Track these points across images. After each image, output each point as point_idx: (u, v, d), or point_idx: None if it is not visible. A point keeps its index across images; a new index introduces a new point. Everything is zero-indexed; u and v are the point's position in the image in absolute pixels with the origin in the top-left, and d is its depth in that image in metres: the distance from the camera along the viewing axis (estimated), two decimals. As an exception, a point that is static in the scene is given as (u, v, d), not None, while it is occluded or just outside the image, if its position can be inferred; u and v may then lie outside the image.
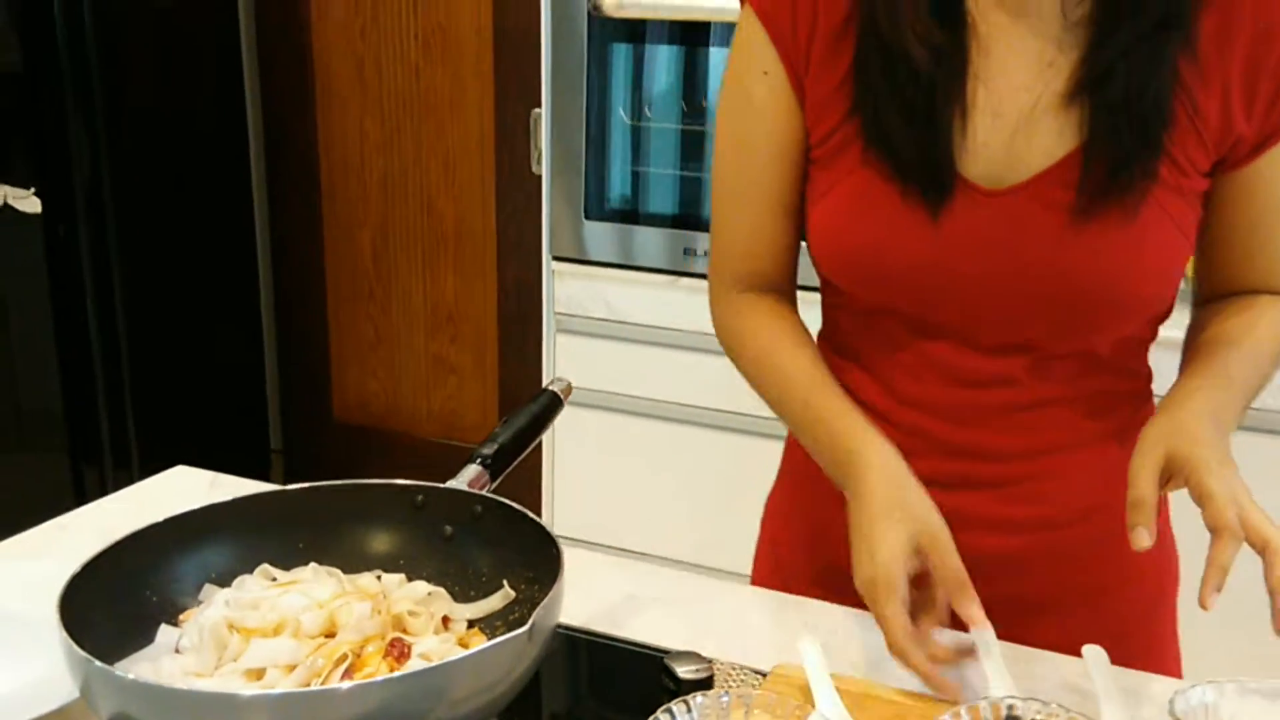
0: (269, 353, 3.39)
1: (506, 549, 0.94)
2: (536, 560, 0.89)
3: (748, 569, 1.24)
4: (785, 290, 1.11)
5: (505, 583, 0.93)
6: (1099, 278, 0.94)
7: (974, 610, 0.89)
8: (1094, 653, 0.93)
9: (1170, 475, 0.88)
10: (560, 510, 2.53)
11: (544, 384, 1.14)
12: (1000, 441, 1.02)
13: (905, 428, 1.03)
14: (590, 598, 1.05)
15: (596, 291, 2.38)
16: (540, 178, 2.41)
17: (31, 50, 2.61)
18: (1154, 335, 1.06)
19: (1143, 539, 0.85)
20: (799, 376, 1.03)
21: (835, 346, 1.09)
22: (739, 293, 1.09)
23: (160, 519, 0.90)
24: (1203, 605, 0.81)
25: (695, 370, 2.33)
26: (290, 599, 0.86)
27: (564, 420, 2.49)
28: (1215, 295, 1.05)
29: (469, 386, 3.24)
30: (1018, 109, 0.94)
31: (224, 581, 0.92)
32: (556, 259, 2.42)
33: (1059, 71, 0.94)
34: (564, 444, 2.49)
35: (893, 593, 0.88)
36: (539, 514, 2.72)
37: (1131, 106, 0.91)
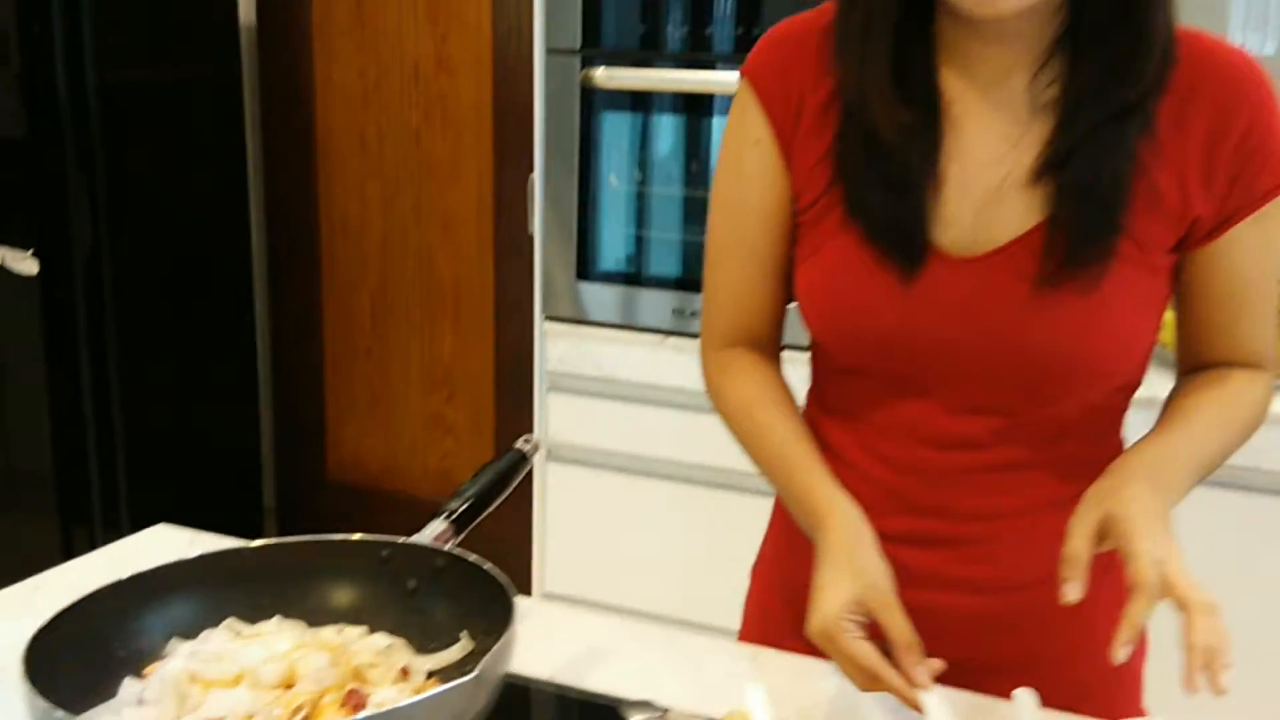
0: (264, 411, 3.42)
1: (467, 602, 0.96)
2: (495, 612, 0.91)
3: (738, 625, 1.26)
4: (771, 347, 1.15)
5: (464, 634, 0.94)
6: (1061, 347, 0.98)
7: (918, 673, 0.90)
8: (1024, 696, 0.94)
9: (1104, 535, 0.90)
10: (551, 567, 2.54)
11: (521, 445, 1.17)
12: (969, 502, 1.05)
13: (879, 484, 1.06)
14: (555, 650, 1.07)
15: (587, 351, 2.41)
16: (535, 239, 2.45)
17: (36, 117, 2.67)
18: (1125, 405, 1.08)
19: (1071, 593, 0.87)
20: (776, 430, 1.07)
21: (821, 403, 1.13)
22: (727, 348, 1.13)
23: (128, 575, 0.92)
24: (1111, 659, 0.83)
25: (685, 428, 2.35)
26: (252, 651, 0.88)
27: (556, 478, 2.53)
28: (1194, 366, 1.09)
29: (465, 445, 3.26)
30: (986, 184, 0.99)
31: (190, 635, 0.93)
32: (549, 319, 2.46)
33: (1025, 150, 0.99)
34: (555, 501, 2.51)
35: (837, 638, 0.90)
36: (530, 572, 2.71)
37: (1093, 188, 0.95)
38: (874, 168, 0.99)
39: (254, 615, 0.96)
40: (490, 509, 1.07)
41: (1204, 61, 0.98)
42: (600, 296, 2.42)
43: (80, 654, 0.88)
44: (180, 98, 2.97)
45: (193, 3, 2.98)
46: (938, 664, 0.92)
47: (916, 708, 0.90)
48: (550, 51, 2.35)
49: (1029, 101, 0.99)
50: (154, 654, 0.92)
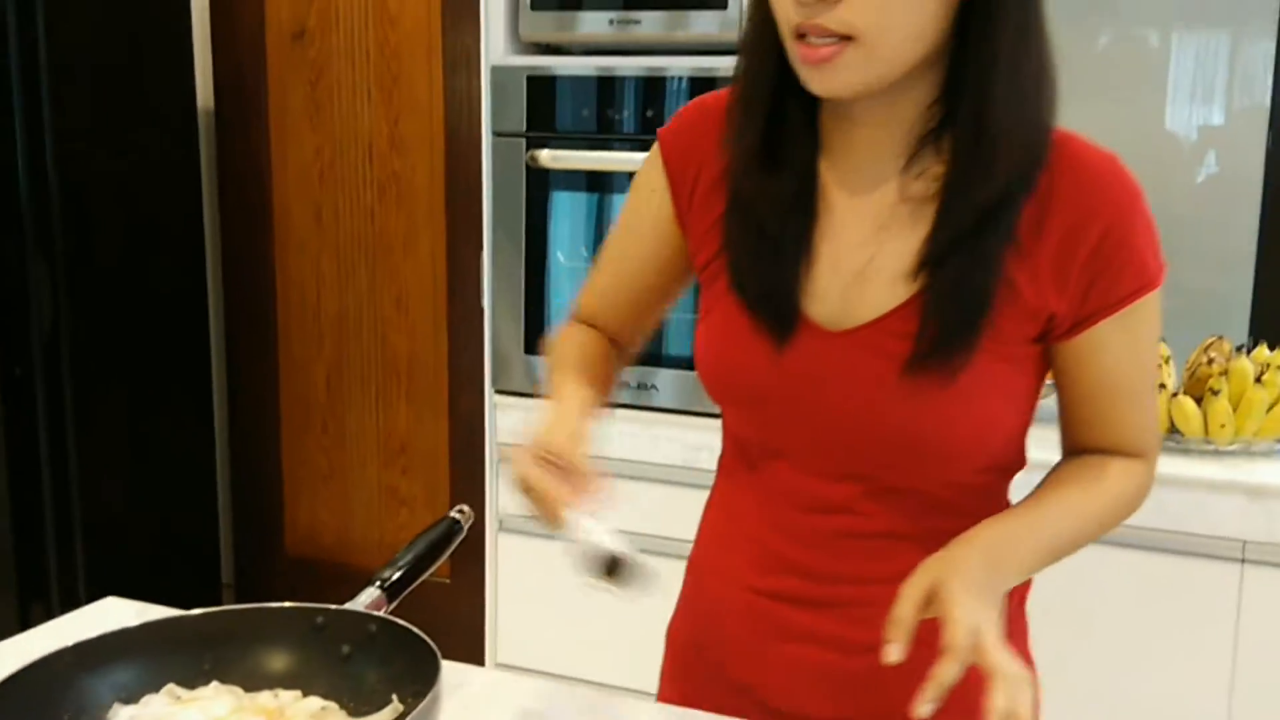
0: (221, 487, 3.45)
1: (398, 666, 1.01)
2: (425, 675, 0.97)
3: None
4: (613, 338, 1.26)
5: (394, 697, 1.00)
6: (918, 428, 1.03)
7: (591, 484, 0.99)
8: None
9: (930, 601, 0.95)
10: (504, 638, 2.58)
11: (454, 515, 1.23)
12: (840, 566, 1.10)
13: (761, 543, 1.13)
14: (491, 715, 1.12)
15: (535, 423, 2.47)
16: (485, 312, 2.53)
17: (-5, 201, 2.73)
18: (1003, 485, 1.13)
19: (891, 653, 0.92)
20: (562, 352, 1.21)
21: (723, 466, 1.20)
22: (575, 320, 1.27)
23: (72, 642, 0.97)
24: (913, 715, 0.88)
25: (637, 499, 2.41)
26: (190, 715, 0.93)
27: (506, 549, 2.56)
28: (1074, 451, 1.13)
29: (420, 517, 3.30)
30: (854, 264, 1.06)
31: (133, 700, 0.98)
32: (499, 392, 2.52)
33: (891, 237, 1.05)
34: (506, 572, 2.55)
35: (524, 454, 1.00)
36: (483, 642, 2.75)
37: (956, 289, 1.01)
38: (750, 239, 1.07)
39: (193, 680, 1.01)
40: (423, 577, 1.13)
41: (1068, 165, 1.02)
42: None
43: (27, 717, 0.92)
44: (140, 181, 3.03)
45: (151, 89, 3.07)
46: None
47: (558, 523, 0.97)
48: (497, 134, 2.45)
49: (897, 190, 1.05)
50: (97, 718, 0.97)
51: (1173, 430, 2.04)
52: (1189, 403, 2.02)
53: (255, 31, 3.28)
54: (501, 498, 2.53)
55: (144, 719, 0.93)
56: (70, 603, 2.82)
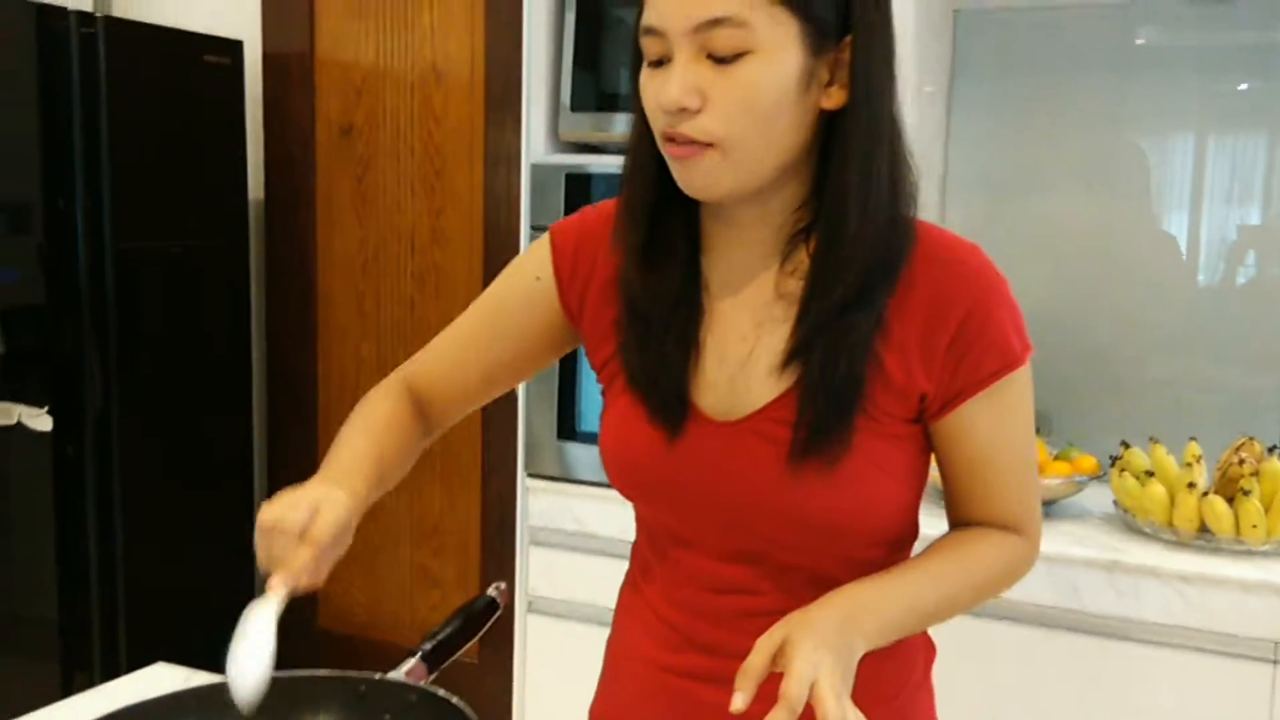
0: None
1: (437, 734, 1.06)
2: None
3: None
4: (434, 418, 1.29)
5: (432, 763, 1.05)
6: (806, 509, 1.06)
7: (300, 557, 1.04)
8: None
9: (781, 654, 0.97)
10: (531, 711, 2.61)
11: (492, 593, 1.29)
12: (746, 643, 1.07)
13: (671, 624, 1.17)
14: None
15: (567, 507, 2.53)
16: (518, 399, 2.60)
17: (55, 284, 2.85)
18: (895, 558, 1.14)
19: (736, 701, 0.93)
20: (350, 430, 1.23)
21: (637, 557, 1.25)
22: (400, 384, 1.26)
23: (122, 706, 1.03)
24: None
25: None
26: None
27: (536, 629, 2.60)
28: (955, 524, 1.18)
29: (451, 597, 3.35)
30: (737, 357, 1.11)
31: (185, 761, 1.04)
32: (531, 476, 2.59)
33: (769, 331, 1.10)
34: (535, 652, 2.59)
35: (275, 515, 1.07)
36: (509, 718, 2.76)
37: (827, 375, 1.04)
38: (639, 335, 1.11)
39: (241, 745, 1.06)
40: (461, 650, 1.19)
41: (930, 255, 1.06)
42: (581, 455, 2.55)
43: (87, 776, 0.98)
44: (191, 266, 3.16)
45: (205, 178, 3.20)
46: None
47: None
48: (534, 228, 2.55)
49: (774, 286, 1.10)
50: (152, 778, 1.03)
51: (1204, 529, 2.04)
52: (1220, 502, 2.03)
53: (306, 126, 3.42)
54: (531, 578, 2.58)
55: (196, 779, 0.99)
56: (112, 673, 2.89)
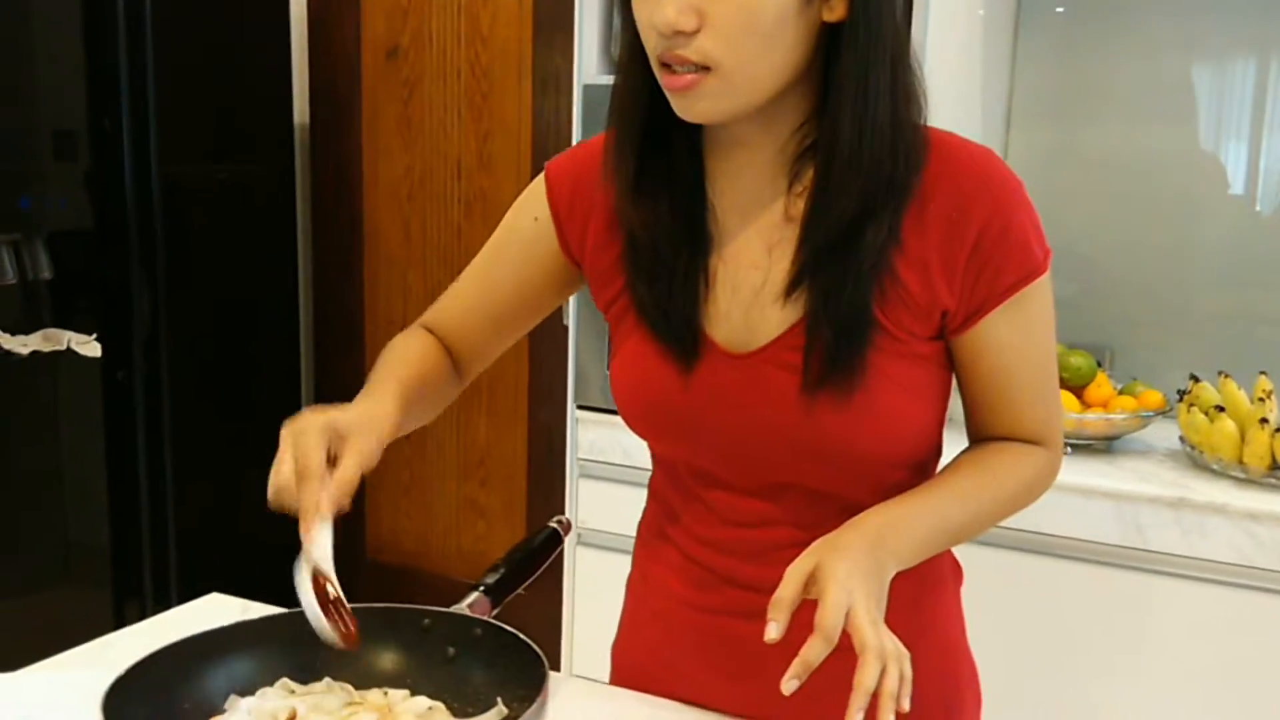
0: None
1: (503, 670, 1.04)
2: (529, 680, 1.00)
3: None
4: (461, 361, 1.26)
5: (500, 700, 1.03)
6: (829, 437, 1.04)
7: (325, 504, 1.00)
8: None
9: (812, 581, 0.94)
10: (580, 650, 2.61)
11: (554, 525, 1.26)
12: (777, 575, 1.05)
13: (701, 563, 1.15)
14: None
15: (617, 439, 2.50)
16: (569, 330, 2.57)
17: (102, 211, 2.83)
18: (920, 480, 1.12)
19: (770, 632, 0.90)
20: (386, 359, 1.19)
21: (654, 495, 1.23)
22: (423, 326, 1.25)
23: (191, 634, 1.02)
24: (782, 689, 0.87)
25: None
26: (303, 707, 0.97)
27: (585, 562, 2.60)
28: (976, 440, 1.15)
29: (497, 529, 3.35)
30: (750, 285, 1.07)
31: (248, 692, 1.03)
32: (580, 407, 2.56)
33: (780, 257, 1.06)
34: (584, 585, 2.59)
35: (300, 438, 1.03)
36: (559, 655, 2.78)
37: (832, 305, 1.02)
38: (647, 268, 1.07)
39: (305, 676, 1.05)
40: (526, 584, 1.16)
41: (944, 165, 1.03)
42: (631, 386, 2.52)
43: (150, 706, 0.97)
44: (237, 192, 3.13)
45: (250, 103, 3.17)
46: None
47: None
48: (588, 153, 2.49)
49: (783, 210, 1.06)
50: (215, 708, 1.02)
51: (1275, 467, 1.99)
52: (1294, 437, 1.97)
53: (351, 49, 3.37)
54: (581, 510, 2.56)
55: (261, 711, 0.97)
56: (163, 601, 2.92)
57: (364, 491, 3.51)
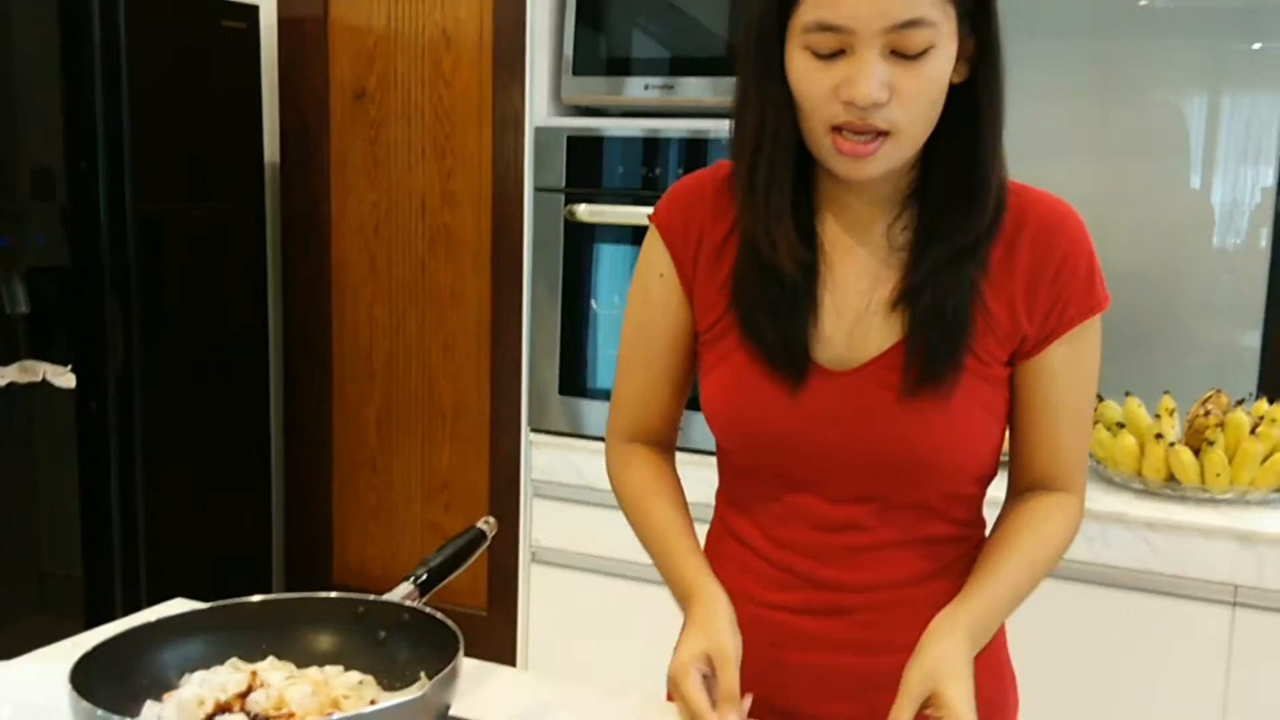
0: (276, 520, 3.64)
1: (427, 649, 1.16)
2: (450, 658, 1.12)
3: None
4: (666, 444, 1.37)
5: (423, 674, 1.15)
6: (921, 448, 1.17)
7: (727, 715, 1.10)
8: None
9: (928, 699, 1.10)
10: (534, 665, 2.72)
11: (481, 525, 1.39)
12: (855, 576, 1.24)
13: (779, 565, 1.26)
14: (506, 703, 1.27)
15: (568, 460, 2.63)
16: (523, 357, 2.70)
17: (78, 246, 2.95)
18: (982, 492, 1.28)
19: None
20: (662, 520, 1.28)
21: (727, 498, 1.33)
22: (628, 443, 1.35)
23: (151, 619, 1.14)
24: None
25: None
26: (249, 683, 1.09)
27: (538, 578, 2.71)
28: (1020, 481, 1.27)
29: (461, 552, 3.45)
30: (854, 309, 1.20)
31: (200, 669, 1.15)
32: (534, 431, 2.69)
33: (884, 283, 1.19)
34: (538, 601, 2.70)
35: (684, 680, 1.11)
36: (514, 664, 2.88)
37: (938, 317, 1.15)
38: (766, 296, 1.19)
39: (253, 656, 1.17)
40: (452, 576, 1.29)
41: (1028, 210, 1.19)
42: (582, 410, 2.65)
43: (111, 680, 1.09)
44: (209, 229, 3.26)
45: (223, 143, 3.29)
46: (747, 702, 1.11)
47: None
48: (538, 189, 2.63)
49: (887, 243, 1.20)
50: (170, 684, 1.13)
51: (1170, 479, 2.14)
52: (1186, 452, 2.13)
53: (320, 91, 3.51)
54: (535, 530, 2.68)
55: (211, 683, 1.09)
56: (133, 620, 2.99)
57: (331, 518, 3.62)
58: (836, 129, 1.10)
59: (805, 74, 1.10)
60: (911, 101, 1.08)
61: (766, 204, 1.18)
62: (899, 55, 1.07)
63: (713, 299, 1.25)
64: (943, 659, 1.11)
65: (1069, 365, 1.20)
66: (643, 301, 1.31)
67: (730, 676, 1.11)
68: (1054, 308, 1.18)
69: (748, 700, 1.12)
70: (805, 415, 1.19)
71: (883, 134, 1.09)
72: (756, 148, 1.18)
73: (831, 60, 1.08)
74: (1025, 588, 1.21)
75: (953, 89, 1.13)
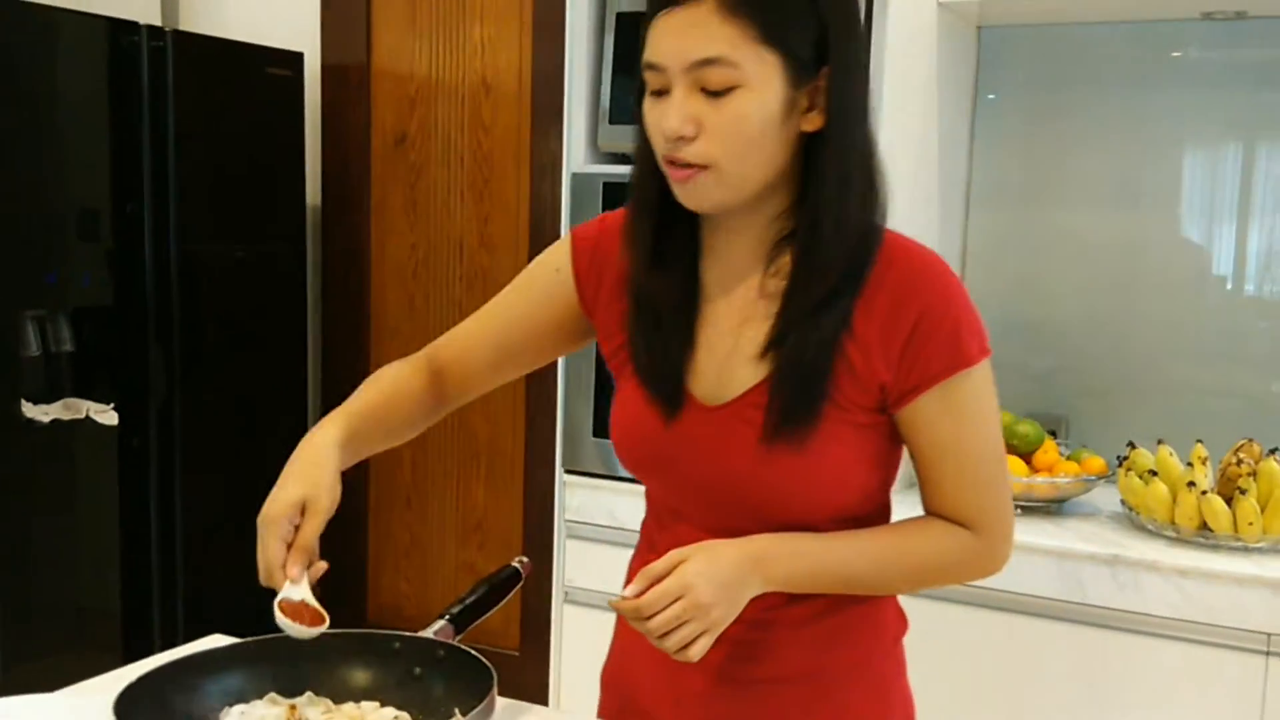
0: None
1: (462, 685, 1.19)
2: (484, 695, 1.15)
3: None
4: (452, 392, 1.43)
5: (457, 711, 1.18)
6: (780, 488, 1.20)
7: (294, 570, 1.19)
8: None
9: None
10: (567, 702, 2.73)
11: (515, 564, 1.41)
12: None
13: None
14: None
15: (601, 501, 2.65)
16: (558, 397, 2.73)
17: (122, 287, 3.01)
18: (879, 516, 1.28)
19: (624, 590, 1.14)
20: (354, 396, 1.37)
21: (643, 523, 1.40)
22: (421, 358, 1.41)
23: (191, 653, 1.17)
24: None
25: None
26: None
27: (570, 619, 2.72)
28: (927, 512, 1.27)
29: (493, 591, 3.48)
30: (726, 348, 1.23)
31: (239, 704, 1.17)
32: (568, 471, 2.71)
33: (753, 325, 1.22)
34: (570, 642, 2.72)
35: (271, 529, 1.20)
36: (546, 704, 2.88)
37: (797, 366, 1.17)
38: (647, 330, 1.25)
39: (291, 690, 1.20)
40: (487, 614, 1.31)
41: (893, 261, 1.19)
42: (612, 451, 2.67)
43: (152, 713, 1.12)
44: (251, 270, 3.31)
45: (266, 185, 3.36)
46: (321, 567, 1.20)
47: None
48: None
49: (759, 287, 1.23)
50: (210, 718, 1.16)
51: (1204, 527, 2.14)
52: (1218, 501, 2.12)
53: (361, 135, 3.58)
54: (569, 569, 2.70)
55: (251, 716, 1.12)
56: (170, 655, 3.02)
57: (366, 556, 3.65)
58: (670, 162, 1.16)
59: (646, 112, 1.18)
60: (720, 137, 1.12)
61: (636, 241, 1.25)
62: (707, 93, 1.12)
63: (614, 329, 1.31)
64: (714, 545, 1.15)
65: (947, 415, 1.20)
66: (529, 279, 1.38)
67: (313, 527, 1.19)
68: (916, 362, 1.18)
69: (321, 566, 1.20)
70: (677, 443, 1.24)
71: (702, 167, 1.14)
72: (631, 188, 1.26)
73: (660, 98, 1.15)
74: (857, 566, 1.21)
75: (813, 137, 1.16)
